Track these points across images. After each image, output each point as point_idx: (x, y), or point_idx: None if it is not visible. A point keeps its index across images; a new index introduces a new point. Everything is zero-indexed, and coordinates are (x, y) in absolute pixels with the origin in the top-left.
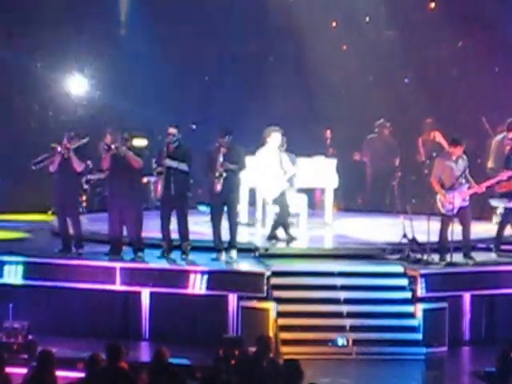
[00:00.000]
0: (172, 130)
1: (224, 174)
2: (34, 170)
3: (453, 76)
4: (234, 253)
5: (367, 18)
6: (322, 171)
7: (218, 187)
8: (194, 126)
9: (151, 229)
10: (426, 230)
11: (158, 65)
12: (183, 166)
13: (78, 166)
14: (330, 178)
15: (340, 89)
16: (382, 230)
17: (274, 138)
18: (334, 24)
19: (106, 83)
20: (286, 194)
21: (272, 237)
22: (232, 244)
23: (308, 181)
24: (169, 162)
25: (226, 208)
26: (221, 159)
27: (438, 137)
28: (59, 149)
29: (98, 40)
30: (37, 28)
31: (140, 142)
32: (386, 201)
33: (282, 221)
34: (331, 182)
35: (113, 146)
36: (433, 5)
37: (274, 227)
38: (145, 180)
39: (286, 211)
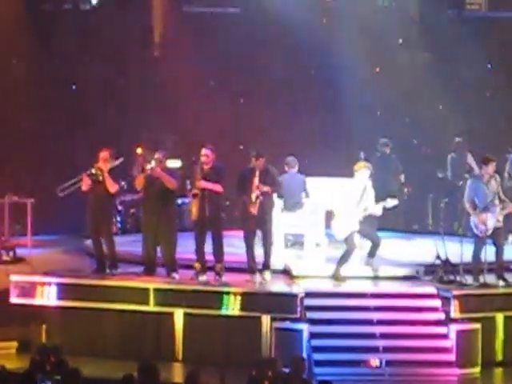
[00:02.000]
0: (206, 151)
1: (260, 198)
2: (62, 196)
3: (486, 96)
4: (267, 274)
5: (400, 40)
6: None
7: (254, 210)
8: (242, 147)
9: (185, 250)
10: (459, 251)
11: (193, 84)
12: (217, 188)
13: (112, 187)
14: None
15: (375, 110)
16: (415, 250)
17: (363, 174)
18: (368, 46)
19: None
20: (355, 234)
21: (337, 276)
22: (266, 265)
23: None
24: (203, 184)
25: (260, 230)
26: (256, 181)
27: (470, 158)
28: (93, 171)
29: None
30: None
31: (174, 163)
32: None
33: (345, 260)
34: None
35: (147, 167)
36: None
37: (339, 265)
38: (179, 201)
39: (352, 251)
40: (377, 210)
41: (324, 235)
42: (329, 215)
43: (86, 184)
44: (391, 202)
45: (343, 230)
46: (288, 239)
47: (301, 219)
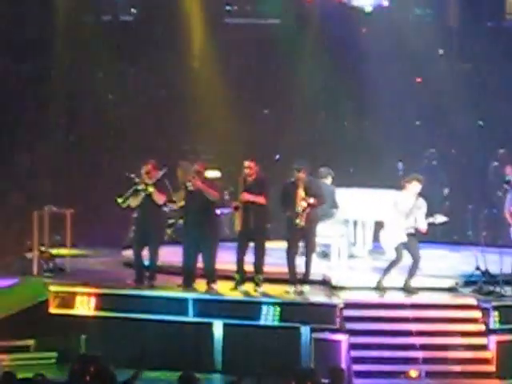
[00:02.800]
0: (248, 164)
1: (308, 210)
2: (124, 208)
3: None
4: (306, 287)
5: (441, 51)
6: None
7: (302, 222)
8: (278, 157)
9: (224, 260)
10: (498, 262)
11: (229, 96)
12: (261, 200)
13: (159, 199)
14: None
15: (413, 121)
16: (455, 261)
17: (415, 187)
18: (408, 57)
19: None
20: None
21: (379, 286)
22: (305, 279)
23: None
24: (246, 197)
25: (304, 242)
26: (302, 194)
27: (510, 171)
28: (139, 187)
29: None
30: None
31: (213, 174)
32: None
33: (390, 270)
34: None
35: (188, 184)
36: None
37: (384, 276)
38: (218, 212)
39: (398, 262)
40: (423, 225)
41: (363, 246)
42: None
43: (135, 201)
44: (440, 219)
45: (392, 240)
46: (320, 250)
47: (329, 230)
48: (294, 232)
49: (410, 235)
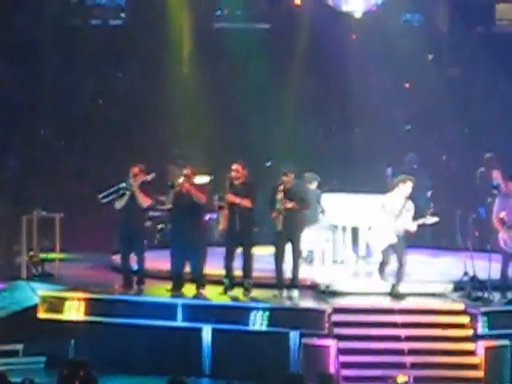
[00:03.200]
0: (236, 166)
1: (283, 212)
2: (104, 203)
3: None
4: (295, 292)
5: (430, 56)
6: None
7: (279, 226)
8: (269, 163)
9: (213, 265)
10: (487, 267)
11: (222, 101)
12: (246, 202)
13: (144, 202)
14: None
15: (402, 126)
16: (443, 267)
17: (408, 187)
18: (398, 62)
19: None
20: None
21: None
22: (294, 283)
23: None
24: (231, 198)
25: (290, 246)
26: (279, 197)
27: (497, 175)
28: (124, 185)
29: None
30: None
31: (202, 179)
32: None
33: (382, 270)
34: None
35: (175, 183)
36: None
37: (383, 278)
38: (206, 218)
39: (386, 264)
40: (413, 226)
41: (351, 252)
42: (355, 232)
43: (121, 202)
44: (431, 219)
45: (381, 242)
46: (306, 255)
47: (313, 235)
48: (278, 236)
49: (399, 237)
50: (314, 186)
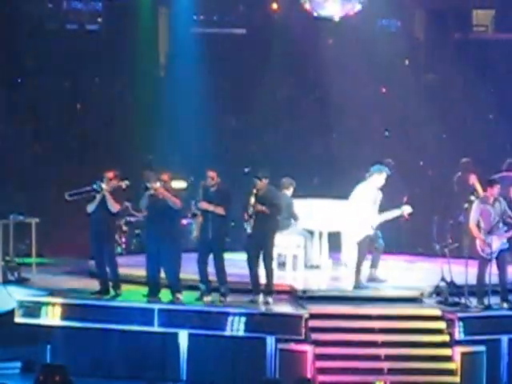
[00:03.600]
0: (211, 174)
1: (253, 216)
2: (68, 200)
3: (488, 118)
4: (269, 299)
5: (406, 61)
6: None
7: (249, 229)
8: (247, 170)
9: (189, 270)
10: (464, 273)
11: (198, 106)
12: (219, 210)
13: (113, 207)
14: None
15: (379, 131)
16: (420, 273)
17: (382, 179)
18: (374, 67)
19: None
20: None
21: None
22: (268, 289)
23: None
24: (205, 205)
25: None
26: (251, 201)
27: (473, 180)
28: (94, 186)
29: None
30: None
31: (179, 184)
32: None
33: (359, 265)
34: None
35: (150, 186)
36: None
37: (358, 273)
38: (184, 222)
39: (363, 257)
40: (377, 218)
41: (327, 257)
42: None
43: (92, 205)
44: (407, 209)
45: (358, 232)
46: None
47: (285, 240)
48: (250, 242)
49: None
50: (290, 191)
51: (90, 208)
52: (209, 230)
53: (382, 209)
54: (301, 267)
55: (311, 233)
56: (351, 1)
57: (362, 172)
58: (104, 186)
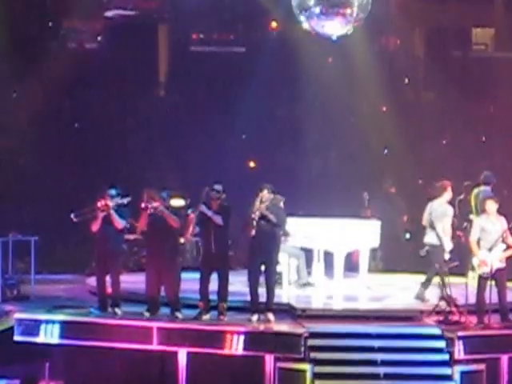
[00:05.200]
0: (218, 187)
1: (256, 218)
2: (76, 221)
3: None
4: (270, 315)
5: (406, 80)
6: (365, 232)
7: (252, 232)
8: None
9: (188, 288)
10: (463, 292)
11: (196, 125)
12: (217, 219)
13: (118, 224)
14: (374, 238)
15: (379, 149)
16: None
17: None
18: (374, 85)
19: None
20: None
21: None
22: (269, 306)
23: (352, 242)
24: (204, 209)
25: (263, 268)
26: (257, 203)
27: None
28: (99, 204)
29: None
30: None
31: (178, 202)
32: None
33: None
34: (373, 242)
35: (149, 206)
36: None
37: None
38: (181, 240)
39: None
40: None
41: (323, 275)
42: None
43: (96, 224)
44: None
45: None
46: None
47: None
48: (251, 257)
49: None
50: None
51: (95, 227)
52: (212, 247)
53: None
54: (293, 285)
55: (304, 250)
56: (350, 20)
57: (360, 190)
58: (109, 203)
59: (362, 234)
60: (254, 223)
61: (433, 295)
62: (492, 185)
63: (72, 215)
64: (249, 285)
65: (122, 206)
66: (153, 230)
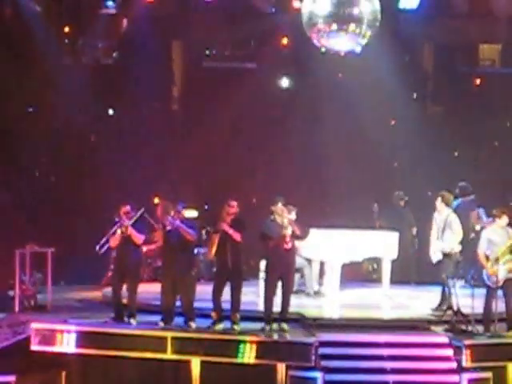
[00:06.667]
0: (233, 203)
1: (289, 232)
2: (102, 252)
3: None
4: (285, 325)
5: (414, 94)
6: (383, 243)
7: (289, 245)
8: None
9: (202, 299)
10: (470, 301)
11: (210, 138)
12: (237, 236)
13: (138, 240)
14: (392, 249)
15: (389, 162)
16: (428, 301)
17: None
18: (383, 99)
19: None
20: None
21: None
22: (283, 316)
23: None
24: (225, 227)
25: (281, 279)
26: (289, 217)
27: (481, 212)
28: (118, 230)
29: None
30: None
31: (190, 214)
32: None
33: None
34: (391, 253)
35: (167, 223)
36: (478, 81)
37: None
38: (195, 251)
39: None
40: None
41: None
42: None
43: (114, 242)
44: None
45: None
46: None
47: None
48: (270, 268)
49: None
50: (293, 216)
51: (114, 243)
52: (228, 259)
53: None
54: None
55: (309, 260)
56: (359, 36)
57: (371, 202)
58: (126, 222)
59: (384, 244)
60: (288, 238)
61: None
62: (471, 195)
63: (97, 248)
64: (265, 296)
65: (138, 219)
66: (168, 241)
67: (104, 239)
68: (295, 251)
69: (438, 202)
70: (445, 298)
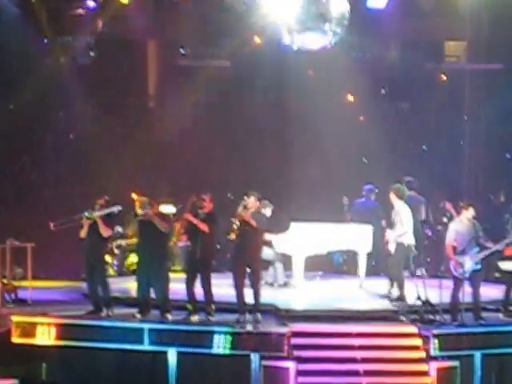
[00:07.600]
0: (205, 196)
1: (237, 223)
2: (54, 230)
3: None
4: (259, 316)
5: (383, 90)
6: (356, 236)
7: (232, 236)
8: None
9: (177, 291)
10: (438, 292)
11: (185, 134)
12: (203, 226)
13: (104, 232)
14: (366, 242)
15: (357, 158)
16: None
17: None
18: (352, 96)
19: None
20: None
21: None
22: (256, 307)
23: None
24: (189, 217)
25: (249, 271)
26: (240, 209)
27: (448, 205)
28: (86, 214)
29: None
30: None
31: (167, 209)
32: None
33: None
34: (366, 246)
35: (139, 212)
36: (444, 77)
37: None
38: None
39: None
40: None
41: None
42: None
43: (84, 231)
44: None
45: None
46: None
47: None
48: (236, 259)
49: None
50: (268, 212)
51: (83, 233)
52: (197, 252)
53: None
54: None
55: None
56: (328, 33)
57: (340, 196)
58: (96, 213)
59: (360, 237)
60: (235, 227)
61: (411, 295)
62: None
63: (51, 225)
64: (235, 287)
65: (113, 214)
66: (143, 234)
67: (65, 219)
68: (258, 243)
69: (390, 195)
70: (392, 286)
